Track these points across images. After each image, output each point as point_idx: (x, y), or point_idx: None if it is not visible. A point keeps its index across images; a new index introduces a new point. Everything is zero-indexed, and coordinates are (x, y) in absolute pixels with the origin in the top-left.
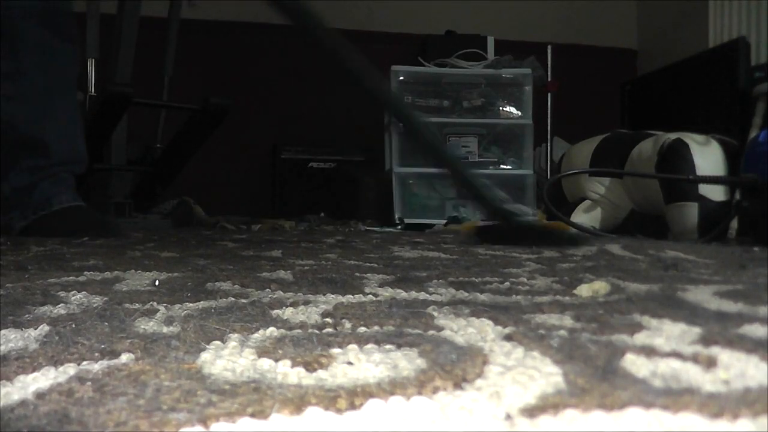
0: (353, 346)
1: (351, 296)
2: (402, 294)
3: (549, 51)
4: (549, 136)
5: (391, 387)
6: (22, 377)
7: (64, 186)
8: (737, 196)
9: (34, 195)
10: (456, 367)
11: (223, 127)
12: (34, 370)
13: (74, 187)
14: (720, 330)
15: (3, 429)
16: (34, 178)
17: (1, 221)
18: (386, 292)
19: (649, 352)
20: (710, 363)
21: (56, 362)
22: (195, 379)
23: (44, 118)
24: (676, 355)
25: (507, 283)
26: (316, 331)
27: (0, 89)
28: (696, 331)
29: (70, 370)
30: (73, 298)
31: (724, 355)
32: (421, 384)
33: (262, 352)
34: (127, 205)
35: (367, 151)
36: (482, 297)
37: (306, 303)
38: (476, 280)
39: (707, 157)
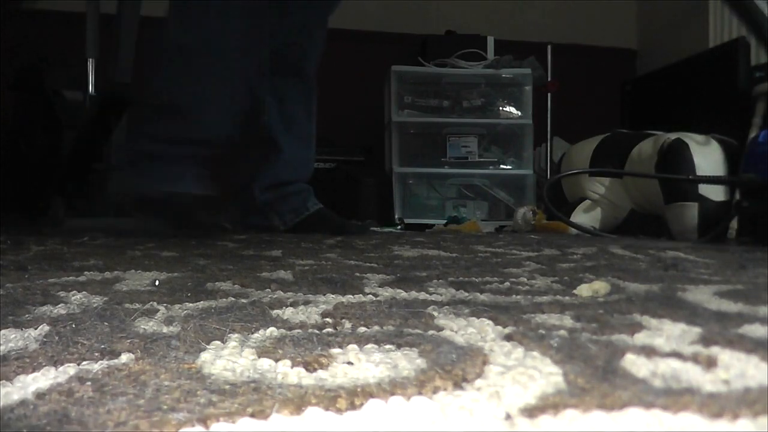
0: (353, 346)
1: (351, 296)
2: (402, 294)
3: (549, 51)
4: (549, 136)
5: (391, 387)
6: (22, 377)
7: (307, 193)
8: (737, 196)
9: (289, 201)
10: (456, 367)
11: None
12: (34, 370)
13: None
14: (720, 330)
15: (3, 429)
16: (281, 192)
17: (256, 221)
18: (386, 292)
19: (649, 352)
20: (710, 363)
21: (56, 362)
22: (195, 379)
23: (299, 139)
24: (676, 355)
25: (507, 283)
26: (316, 331)
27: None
28: (696, 331)
29: (70, 370)
30: (73, 298)
31: (724, 355)
32: (421, 384)
33: (262, 352)
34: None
35: (367, 151)
36: (482, 297)
37: (306, 303)
38: (476, 280)
39: (707, 157)
